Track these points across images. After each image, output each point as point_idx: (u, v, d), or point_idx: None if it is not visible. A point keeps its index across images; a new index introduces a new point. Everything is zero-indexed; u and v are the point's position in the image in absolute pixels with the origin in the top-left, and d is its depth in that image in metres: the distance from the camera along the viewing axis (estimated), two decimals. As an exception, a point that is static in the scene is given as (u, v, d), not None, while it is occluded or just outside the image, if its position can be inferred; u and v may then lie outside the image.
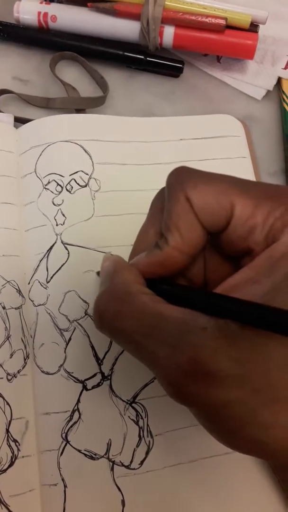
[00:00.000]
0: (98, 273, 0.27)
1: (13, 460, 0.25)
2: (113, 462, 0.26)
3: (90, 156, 0.31)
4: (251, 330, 0.16)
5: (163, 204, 0.21)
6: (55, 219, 0.30)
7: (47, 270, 0.29)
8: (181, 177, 0.20)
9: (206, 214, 0.19)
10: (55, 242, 0.29)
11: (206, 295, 0.19)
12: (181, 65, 0.38)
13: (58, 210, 0.30)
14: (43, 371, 0.27)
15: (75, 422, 0.26)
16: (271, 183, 0.35)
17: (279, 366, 0.15)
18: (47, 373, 0.27)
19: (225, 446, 0.17)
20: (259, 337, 0.16)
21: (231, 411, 0.16)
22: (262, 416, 0.15)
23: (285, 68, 0.39)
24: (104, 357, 0.27)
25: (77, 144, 0.32)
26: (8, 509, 0.24)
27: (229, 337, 0.16)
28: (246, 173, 0.33)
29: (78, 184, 0.31)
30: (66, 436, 0.26)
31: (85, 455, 0.26)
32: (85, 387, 0.27)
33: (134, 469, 0.26)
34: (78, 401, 0.26)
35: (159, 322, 0.17)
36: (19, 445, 0.26)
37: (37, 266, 0.29)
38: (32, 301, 0.28)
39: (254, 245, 0.19)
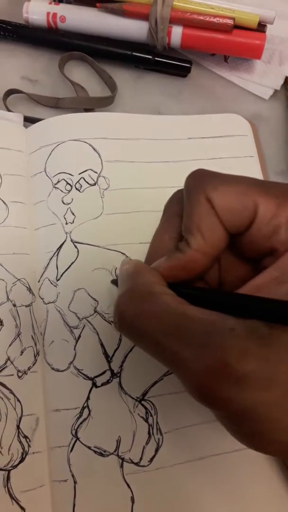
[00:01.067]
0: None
1: (24, 456, 0.26)
2: (123, 459, 0.26)
3: (99, 155, 0.32)
4: (280, 330, 0.15)
5: (178, 209, 0.21)
6: (65, 218, 0.30)
7: (57, 268, 0.29)
8: (201, 179, 0.20)
9: (229, 215, 0.19)
10: (65, 241, 0.30)
11: (232, 296, 0.18)
12: (189, 65, 0.38)
13: (67, 208, 0.30)
14: (53, 368, 0.27)
15: (84, 419, 0.26)
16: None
17: None
18: (57, 370, 0.27)
19: (248, 447, 0.17)
20: None
21: (260, 414, 0.15)
22: None
23: (292, 68, 0.39)
24: (113, 355, 0.28)
25: (86, 142, 0.32)
26: (19, 504, 0.25)
27: (258, 337, 0.16)
28: (254, 172, 0.34)
29: (87, 182, 0.31)
30: (76, 432, 0.26)
31: (95, 451, 0.26)
32: (94, 384, 0.27)
33: (143, 466, 0.26)
34: (88, 398, 0.27)
35: (183, 322, 0.17)
36: (29, 441, 0.26)
37: (47, 264, 0.29)
38: (42, 299, 0.29)
39: (279, 244, 0.19)
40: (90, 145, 0.32)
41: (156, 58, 0.37)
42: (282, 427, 0.15)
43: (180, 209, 0.21)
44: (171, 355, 0.17)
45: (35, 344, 0.28)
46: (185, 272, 0.20)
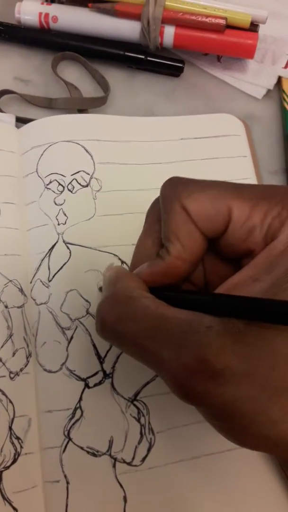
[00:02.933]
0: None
1: (16, 457, 0.26)
2: (115, 459, 0.26)
3: (91, 156, 0.32)
4: (255, 326, 0.16)
5: (158, 215, 0.21)
6: (57, 219, 0.30)
7: (49, 269, 0.29)
8: (175, 187, 0.20)
9: (204, 221, 0.19)
10: (57, 242, 0.30)
11: (208, 295, 0.19)
12: (181, 65, 0.38)
13: (59, 209, 0.30)
14: (45, 369, 0.27)
15: (77, 420, 0.26)
16: (270, 182, 0.35)
17: (285, 359, 0.15)
18: (49, 371, 0.27)
19: (233, 443, 0.17)
20: (264, 332, 0.16)
21: (239, 408, 0.16)
22: (271, 412, 0.15)
23: (285, 67, 0.39)
24: (105, 356, 0.28)
25: (79, 144, 0.32)
26: (11, 505, 0.25)
27: (235, 334, 0.16)
28: (247, 172, 0.34)
29: (79, 184, 0.31)
30: (68, 433, 0.26)
31: (87, 452, 0.26)
32: (87, 385, 0.27)
33: (136, 466, 0.26)
34: (80, 398, 0.27)
35: (162, 323, 0.17)
36: (22, 442, 0.26)
37: (39, 265, 0.29)
38: (34, 300, 0.29)
39: (254, 245, 0.19)
40: (82, 146, 0.32)
41: (148, 58, 0.37)
42: (263, 420, 0.16)
43: (160, 215, 0.21)
44: (152, 356, 0.17)
45: (27, 345, 0.28)
46: (167, 278, 0.20)
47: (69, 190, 0.31)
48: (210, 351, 0.16)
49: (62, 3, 0.37)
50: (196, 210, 0.19)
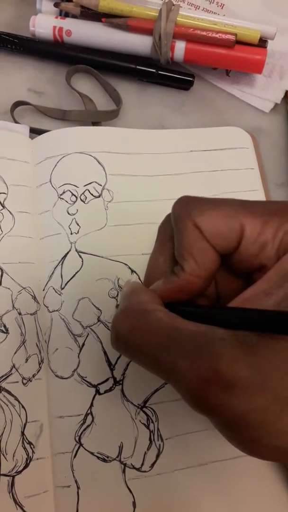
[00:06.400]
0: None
1: (28, 462, 0.26)
2: (125, 465, 0.27)
3: (103, 168, 0.32)
4: (267, 338, 0.16)
5: (170, 232, 0.22)
6: (70, 228, 0.31)
7: (62, 277, 0.30)
8: (187, 206, 0.21)
9: (217, 238, 0.20)
10: (70, 250, 0.30)
11: (221, 309, 0.19)
12: (191, 79, 0.39)
13: (72, 219, 0.31)
14: (57, 376, 0.28)
15: (88, 426, 0.27)
16: (277, 193, 0.36)
17: None
18: (61, 378, 0.28)
19: (244, 452, 0.17)
20: (276, 344, 0.16)
21: (252, 419, 0.16)
22: (282, 422, 0.16)
23: (292, 82, 0.40)
24: (116, 363, 0.28)
25: (91, 155, 0.33)
26: (23, 509, 0.25)
27: (247, 346, 0.16)
28: (254, 184, 0.34)
29: (92, 194, 0.32)
30: (79, 439, 0.27)
31: (98, 457, 0.27)
32: (98, 392, 0.28)
33: (145, 471, 0.27)
34: (91, 405, 0.27)
35: (176, 335, 0.18)
36: (33, 447, 0.26)
37: (52, 273, 0.30)
38: (47, 307, 0.29)
39: (266, 260, 0.19)
40: (95, 158, 0.32)
41: (159, 72, 0.38)
42: (274, 431, 0.16)
43: (171, 232, 0.21)
44: (166, 367, 0.18)
45: (40, 352, 0.28)
46: (182, 294, 0.21)
47: (81, 200, 0.32)
48: (223, 362, 0.16)
49: (76, 17, 0.38)
50: (209, 228, 0.20)
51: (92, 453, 0.27)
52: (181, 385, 0.17)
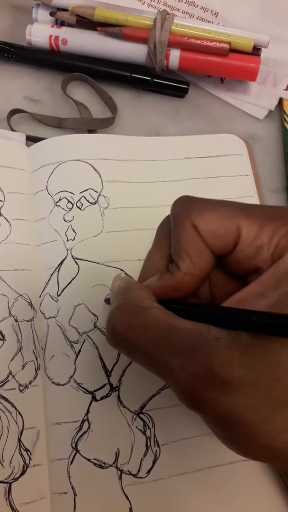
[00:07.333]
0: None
1: (25, 468, 0.26)
2: (121, 471, 0.27)
3: (99, 175, 0.33)
4: (262, 339, 0.16)
5: (168, 231, 0.22)
6: (66, 235, 0.31)
7: (58, 284, 0.30)
8: (186, 206, 0.21)
9: (214, 239, 0.20)
10: (66, 257, 0.31)
11: (216, 308, 0.19)
12: (186, 86, 0.39)
13: (68, 226, 0.31)
14: (53, 382, 0.28)
15: (84, 432, 0.27)
16: (271, 199, 0.36)
17: None
18: (58, 384, 0.28)
19: (236, 453, 0.18)
20: (270, 345, 0.16)
21: (245, 417, 0.16)
22: (274, 422, 0.16)
23: (286, 89, 0.40)
24: (112, 369, 0.28)
25: (87, 163, 0.33)
26: (19, 516, 0.25)
27: (242, 346, 0.16)
28: (249, 190, 0.35)
29: (88, 201, 0.32)
30: (76, 445, 0.27)
31: (94, 464, 0.27)
32: (94, 398, 0.28)
33: (141, 477, 0.27)
34: (88, 411, 0.27)
35: (172, 333, 0.18)
36: (30, 454, 0.27)
37: (48, 280, 0.30)
38: (43, 314, 0.29)
39: (261, 263, 0.20)
40: (91, 165, 0.33)
41: (154, 80, 0.39)
42: (266, 430, 0.16)
43: (170, 230, 0.22)
44: (161, 365, 0.18)
45: (36, 359, 0.28)
46: (176, 292, 0.21)
47: (78, 207, 0.32)
48: (218, 361, 0.16)
49: (71, 26, 0.39)
50: (206, 229, 0.20)
51: (88, 460, 0.27)
52: (176, 383, 0.18)
